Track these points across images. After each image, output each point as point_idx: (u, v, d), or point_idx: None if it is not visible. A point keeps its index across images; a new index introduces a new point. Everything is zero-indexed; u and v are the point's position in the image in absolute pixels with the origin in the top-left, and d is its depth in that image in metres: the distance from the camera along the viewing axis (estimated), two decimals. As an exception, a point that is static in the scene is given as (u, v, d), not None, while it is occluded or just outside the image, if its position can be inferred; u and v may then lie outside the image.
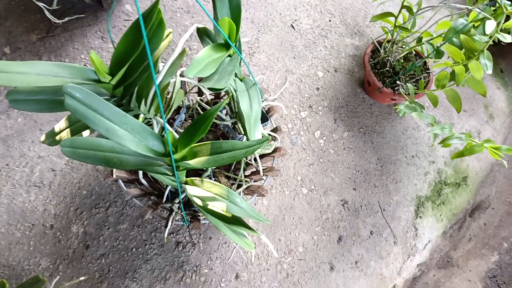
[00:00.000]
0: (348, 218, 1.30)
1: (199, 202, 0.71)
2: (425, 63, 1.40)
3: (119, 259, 1.14)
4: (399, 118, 1.48)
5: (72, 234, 1.14)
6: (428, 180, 1.42)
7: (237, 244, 1.20)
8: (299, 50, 1.53)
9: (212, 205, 0.71)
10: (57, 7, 1.22)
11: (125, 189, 0.97)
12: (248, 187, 1.03)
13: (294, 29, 1.58)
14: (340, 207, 1.31)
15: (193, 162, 0.68)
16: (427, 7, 1.24)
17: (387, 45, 1.39)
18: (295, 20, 1.60)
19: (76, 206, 1.17)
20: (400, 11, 1.27)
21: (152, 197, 1.01)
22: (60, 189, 1.18)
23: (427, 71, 1.39)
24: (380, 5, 1.72)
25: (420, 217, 1.37)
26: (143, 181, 0.99)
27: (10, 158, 1.19)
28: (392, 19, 1.32)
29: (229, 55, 0.81)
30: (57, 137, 0.76)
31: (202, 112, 1.05)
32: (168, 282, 1.13)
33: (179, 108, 1.12)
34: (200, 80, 1.06)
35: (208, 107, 1.04)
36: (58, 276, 1.08)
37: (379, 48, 1.41)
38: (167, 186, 0.94)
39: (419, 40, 1.32)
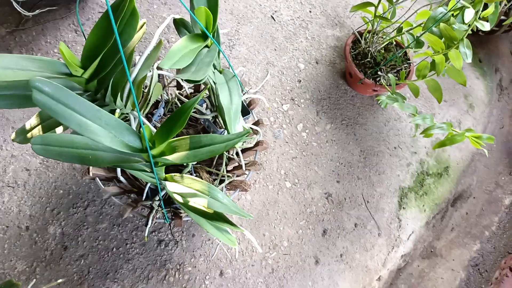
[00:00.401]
0: (333, 211, 1.29)
1: (180, 199, 0.69)
2: (405, 53, 1.40)
3: (99, 260, 1.10)
4: (381, 110, 1.48)
5: (49, 236, 1.10)
6: (410, 171, 1.43)
7: (220, 241, 1.18)
8: (280, 42, 1.51)
9: (193, 202, 0.69)
10: (26, 0, 1.17)
11: (103, 187, 0.94)
12: (230, 182, 1.01)
13: (275, 20, 1.55)
14: (324, 200, 1.30)
15: (172, 158, 0.65)
16: (406, -4, 1.23)
17: (367, 35, 1.38)
18: (275, 11, 1.57)
19: (53, 206, 1.13)
20: (380, 1, 1.26)
21: (131, 195, 0.98)
22: (35, 189, 1.14)
23: (408, 61, 1.39)
24: (361, -5, 1.70)
25: (403, 208, 1.38)
26: (122, 178, 0.96)
27: (-19, 158, 1.14)
28: (372, 9, 1.31)
29: (207, 46, 0.79)
30: (28, 135, 0.73)
31: (181, 106, 1.02)
32: (151, 281, 1.10)
33: (157, 103, 1.09)
34: (178, 72, 1.02)
35: (187, 101, 1.01)
36: (35, 280, 1.04)
37: (360, 38, 1.40)
38: (146, 183, 0.91)
39: (399, 30, 1.32)
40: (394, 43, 1.41)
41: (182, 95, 1.07)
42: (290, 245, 1.22)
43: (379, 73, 1.33)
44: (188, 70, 0.73)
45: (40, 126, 0.73)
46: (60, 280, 1.03)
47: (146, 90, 0.90)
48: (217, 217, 0.72)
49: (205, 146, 0.65)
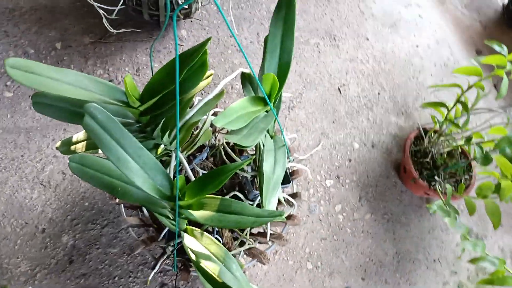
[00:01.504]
0: (348, 309, 1.18)
1: (193, 257, 0.65)
2: (470, 164, 1.30)
3: (98, 284, 1.07)
4: (429, 214, 1.37)
5: (60, 244, 1.09)
6: (445, 290, 1.29)
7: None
8: (340, 115, 1.48)
9: (205, 264, 0.64)
10: (116, 17, 1.23)
11: (124, 216, 0.92)
12: (250, 248, 0.95)
13: (341, 93, 1.53)
14: (342, 294, 1.19)
15: (197, 215, 0.62)
16: (483, 108, 1.16)
17: (432, 135, 1.31)
18: (344, 85, 1.55)
19: (74, 216, 1.13)
20: (454, 105, 1.20)
21: (150, 229, 0.95)
22: (64, 194, 1.14)
23: (471, 173, 1.29)
24: (434, 92, 1.65)
25: (427, 329, 1.23)
26: (145, 212, 0.93)
27: (27, 150, 1.17)
28: (444, 110, 1.25)
29: (266, 111, 0.76)
30: (72, 147, 0.73)
31: (224, 155, 1.00)
32: (140, 325, 1.04)
33: (203, 147, 1.07)
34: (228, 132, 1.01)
35: (232, 153, 0.99)
36: (31, 287, 1.01)
37: (424, 136, 1.33)
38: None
39: (468, 140, 1.24)
40: (460, 150, 1.32)
41: (228, 144, 1.05)
42: (293, 333, 1.12)
43: (436, 177, 1.24)
44: (239, 132, 0.71)
45: (85, 142, 0.73)
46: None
47: (196, 132, 0.89)
48: (223, 289, 0.66)
49: (232, 214, 0.62)
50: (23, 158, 1.16)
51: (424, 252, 1.31)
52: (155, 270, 0.87)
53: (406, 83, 1.66)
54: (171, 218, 0.68)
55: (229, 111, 0.67)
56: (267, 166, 0.78)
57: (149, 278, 0.86)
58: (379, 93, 1.59)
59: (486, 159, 1.17)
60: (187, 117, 0.78)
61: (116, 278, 1.08)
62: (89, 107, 0.49)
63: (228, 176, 0.57)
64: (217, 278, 0.65)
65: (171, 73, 0.56)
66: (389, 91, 1.61)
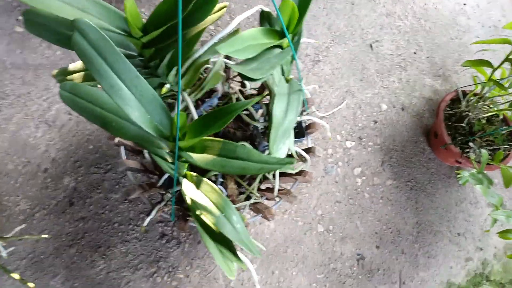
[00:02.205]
0: (359, 277, 1.10)
1: (190, 202, 0.58)
2: (511, 132, 1.16)
3: (97, 229, 1.04)
4: (458, 186, 1.25)
5: (61, 186, 1.06)
6: (468, 267, 1.18)
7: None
8: (370, 74, 1.35)
9: (202, 212, 0.58)
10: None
11: (124, 157, 0.86)
12: (255, 203, 0.88)
13: (372, 49, 1.39)
14: (353, 261, 1.11)
15: (197, 158, 0.55)
16: (537, 69, 1.01)
17: (472, 98, 1.17)
18: (376, 41, 1.41)
19: (77, 158, 1.09)
20: (502, 63, 1.05)
21: (153, 176, 0.90)
22: (69, 136, 1.11)
23: (510, 143, 1.15)
24: (479, 52, 1.48)
25: (444, 306, 1.14)
26: (147, 155, 0.88)
27: (34, 88, 1.13)
28: (488, 70, 1.10)
29: (281, 47, 0.67)
30: (69, 77, 0.67)
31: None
32: (137, 273, 1.01)
33: (213, 92, 0.99)
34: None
35: (243, 101, 0.90)
36: (25, 224, 1.00)
37: (462, 98, 1.19)
38: (165, 170, 0.82)
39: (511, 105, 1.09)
40: (502, 116, 1.18)
41: (243, 93, 0.97)
42: (297, 296, 1.06)
43: (470, 144, 1.11)
44: (248, 64, 0.62)
45: (83, 73, 0.67)
46: (44, 236, 0.97)
47: (206, 75, 0.81)
48: (221, 241, 0.60)
49: (237, 159, 0.54)
50: (30, 96, 1.12)
51: (448, 225, 1.20)
52: (150, 216, 0.81)
53: (447, 43, 1.49)
54: (170, 161, 0.62)
55: (237, 39, 0.58)
56: (277, 110, 0.69)
57: (144, 224, 0.81)
58: (415, 53, 1.44)
59: (531, 127, 1.03)
60: (196, 55, 0.70)
61: (116, 224, 1.05)
62: (80, 22, 0.41)
63: (233, 115, 0.50)
64: (214, 228, 0.59)
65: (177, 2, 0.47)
66: (427, 51, 1.45)
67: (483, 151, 0.97)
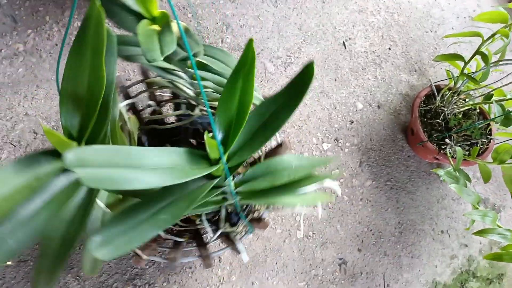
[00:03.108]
0: (341, 283, 1.08)
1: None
2: (488, 126, 1.14)
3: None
4: (439, 182, 1.23)
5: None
6: (453, 265, 1.16)
7: (212, 270, 1.02)
8: (344, 72, 1.32)
9: None
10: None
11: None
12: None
13: (346, 48, 1.37)
14: (335, 267, 1.09)
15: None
16: (508, 59, 0.99)
17: (446, 92, 1.15)
18: (349, 39, 1.39)
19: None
20: (472, 57, 1.03)
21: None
22: (36, 155, 1.07)
23: (489, 136, 1.13)
24: (454, 44, 1.46)
25: (430, 306, 1.12)
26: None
27: (-3, 108, 1.10)
28: (461, 63, 1.08)
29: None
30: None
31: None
32: (111, 293, 0.98)
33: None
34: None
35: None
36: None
37: (436, 94, 1.17)
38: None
39: (488, 98, 1.07)
40: (478, 110, 1.16)
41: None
42: (279, 306, 1.03)
43: (446, 140, 1.09)
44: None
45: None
46: (9, 263, 0.94)
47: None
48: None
49: None
50: (-7, 116, 1.09)
51: (431, 223, 1.18)
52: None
53: (422, 37, 1.48)
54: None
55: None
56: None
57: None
58: (389, 48, 1.42)
59: (507, 120, 1.01)
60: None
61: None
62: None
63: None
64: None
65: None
66: (401, 46, 1.43)
67: (458, 148, 0.95)
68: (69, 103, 0.42)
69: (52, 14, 1.22)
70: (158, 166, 0.39)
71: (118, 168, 0.36)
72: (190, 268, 1.02)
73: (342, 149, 1.21)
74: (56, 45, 1.19)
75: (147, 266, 1.01)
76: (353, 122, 1.26)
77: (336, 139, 1.22)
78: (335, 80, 1.31)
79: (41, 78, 1.14)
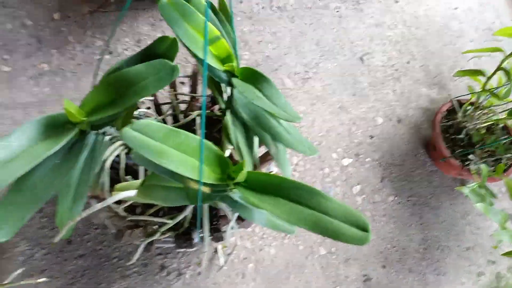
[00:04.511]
0: (366, 301, 1.06)
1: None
2: (512, 141, 1.12)
3: (97, 265, 1.01)
4: (463, 197, 1.21)
5: (56, 225, 1.04)
6: (481, 282, 1.14)
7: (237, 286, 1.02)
8: (362, 87, 1.33)
9: None
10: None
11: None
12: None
13: (363, 62, 1.37)
14: (359, 283, 1.08)
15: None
16: (533, 75, 0.98)
17: (468, 108, 1.14)
18: (367, 53, 1.39)
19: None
20: (494, 73, 1.02)
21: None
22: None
23: (514, 151, 1.11)
24: (474, 58, 1.45)
25: (458, 325, 1.10)
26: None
27: (23, 127, 1.13)
28: (482, 78, 1.07)
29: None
30: None
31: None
32: (137, 310, 0.98)
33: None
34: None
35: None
36: (25, 267, 0.98)
37: (458, 109, 1.16)
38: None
39: (511, 113, 1.06)
40: (501, 125, 1.14)
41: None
42: (303, 324, 1.02)
43: (470, 156, 1.08)
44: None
45: None
46: (41, 280, 0.95)
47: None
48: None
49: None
50: (20, 135, 1.11)
51: (456, 239, 1.16)
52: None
53: (441, 50, 1.47)
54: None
55: None
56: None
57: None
58: (408, 62, 1.42)
59: (532, 135, 1.00)
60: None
61: (115, 260, 1.03)
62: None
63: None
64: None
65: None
66: (420, 59, 1.43)
67: (483, 166, 0.94)
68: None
69: (75, 34, 1.25)
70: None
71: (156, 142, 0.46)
72: (214, 284, 1.02)
73: (363, 165, 1.21)
74: (80, 64, 1.22)
75: (173, 282, 1.02)
76: (373, 137, 1.25)
77: (356, 154, 1.22)
78: (354, 95, 1.31)
79: (66, 96, 1.17)
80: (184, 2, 0.51)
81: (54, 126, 0.50)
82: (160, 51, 0.55)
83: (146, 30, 1.27)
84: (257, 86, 0.57)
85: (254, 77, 0.57)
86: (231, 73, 0.57)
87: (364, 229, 0.44)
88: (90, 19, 1.25)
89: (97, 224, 1.05)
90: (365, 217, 0.45)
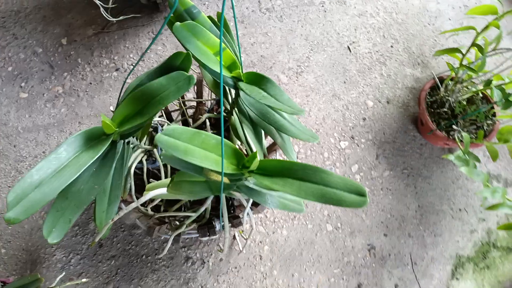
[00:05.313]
0: (372, 266, 1.19)
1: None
2: (492, 108, 1.23)
3: (128, 264, 1.14)
4: (452, 164, 1.33)
5: (88, 231, 1.16)
6: (473, 239, 1.26)
7: (255, 267, 1.14)
8: (352, 75, 1.44)
9: None
10: (114, 6, 1.25)
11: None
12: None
13: (350, 51, 1.48)
14: (365, 252, 1.20)
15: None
16: (501, 48, 1.09)
17: (449, 83, 1.25)
18: (353, 42, 1.50)
19: (99, 202, 1.19)
20: (469, 49, 1.13)
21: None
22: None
23: (493, 118, 1.22)
24: (453, 36, 1.56)
25: (457, 278, 1.22)
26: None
27: (47, 146, 1.24)
28: (460, 55, 1.18)
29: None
30: None
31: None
32: (171, 297, 1.11)
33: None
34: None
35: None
36: (64, 272, 1.10)
37: (440, 85, 1.27)
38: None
39: (488, 83, 1.17)
40: (481, 95, 1.25)
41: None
42: (319, 293, 1.15)
43: (454, 126, 1.19)
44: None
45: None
46: (84, 280, 1.07)
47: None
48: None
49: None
50: (45, 154, 1.23)
51: (449, 203, 1.28)
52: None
53: (421, 31, 1.58)
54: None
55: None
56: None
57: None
58: (392, 46, 1.52)
59: (507, 102, 1.10)
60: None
61: (144, 257, 1.15)
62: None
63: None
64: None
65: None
66: (403, 42, 1.54)
67: (464, 134, 1.05)
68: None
69: (83, 56, 1.36)
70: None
71: (182, 142, 0.55)
72: (236, 268, 1.15)
73: (358, 145, 1.32)
74: (91, 83, 1.33)
75: (198, 270, 1.14)
76: (365, 119, 1.37)
77: (352, 137, 1.33)
78: (345, 82, 1.42)
79: (82, 115, 1.28)
80: (195, 23, 0.62)
81: (92, 138, 0.61)
82: (176, 64, 0.65)
83: (148, 44, 1.38)
84: (261, 87, 0.67)
85: (258, 80, 0.68)
86: (237, 78, 0.68)
87: (362, 194, 0.52)
88: (96, 40, 1.36)
89: (124, 227, 1.17)
90: (362, 185, 0.55)
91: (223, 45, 0.65)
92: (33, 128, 1.25)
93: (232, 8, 0.49)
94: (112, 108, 1.26)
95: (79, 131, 0.60)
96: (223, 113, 1.00)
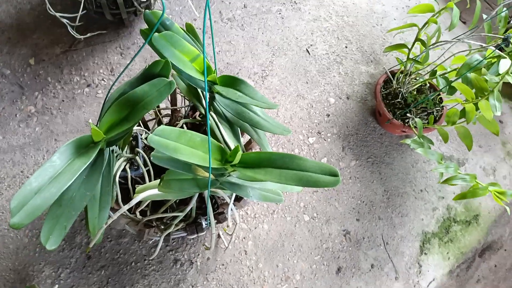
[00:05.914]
0: (349, 249, 1.28)
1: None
2: (439, 95, 1.38)
3: (118, 272, 1.16)
4: (410, 150, 1.46)
5: (75, 244, 1.18)
6: (436, 216, 1.39)
7: (241, 262, 1.20)
8: (313, 75, 1.54)
9: None
10: (80, 24, 1.28)
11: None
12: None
13: (309, 54, 1.59)
14: (341, 237, 1.29)
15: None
16: (441, 41, 1.22)
17: (400, 76, 1.38)
18: (311, 45, 1.61)
19: (83, 217, 1.21)
20: (413, 44, 1.26)
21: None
22: (68, 199, 1.22)
23: (441, 104, 1.36)
24: (399, 33, 1.71)
25: (425, 253, 1.34)
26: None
27: (25, 166, 1.25)
28: (406, 50, 1.31)
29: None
30: None
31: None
32: (162, 299, 1.14)
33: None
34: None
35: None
36: (57, 285, 1.11)
37: (392, 78, 1.40)
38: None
39: (433, 74, 1.31)
40: (428, 84, 1.39)
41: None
42: (303, 279, 1.22)
43: (408, 114, 1.32)
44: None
45: None
46: (77, 290, 1.09)
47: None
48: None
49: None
50: (24, 174, 1.24)
51: (411, 185, 1.41)
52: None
53: (371, 31, 1.72)
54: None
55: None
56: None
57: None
58: (346, 47, 1.65)
59: (451, 89, 1.24)
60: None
61: (133, 264, 1.18)
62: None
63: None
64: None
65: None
66: (355, 42, 1.67)
67: (417, 120, 1.18)
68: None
69: (53, 74, 1.38)
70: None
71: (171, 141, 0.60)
72: (223, 265, 1.20)
73: (325, 140, 1.42)
74: (63, 101, 1.35)
75: (187, 271, 1.18)
76: (329, 115, 1.47)
77: (318, 132, 1.43)
78: (307, 82, 1.52)
79: (57, 132, 1.30)
80: (172, 33, 0.68)
81: (81, 146, 0.64)
82: (156, 71, 0.70)
83: (117, 59, 1.42)
84: (236, 88, 0.74)
85: (232, 82, 0.75)
86: (212, 82, 0.75)
87: (335, 174, 0.59)
88: (64, 58, 1.39)
89: (110, 237, 1.20)
90: (334, 167, 0.62)
91: (197, 51, 0.72)
92: (9, 149, 1.26)
93: (210, 20, 0.56)
94: (90, 121, 1.29)
95: (60, 145, 0.63)
96: (198, 118, 1.06)
